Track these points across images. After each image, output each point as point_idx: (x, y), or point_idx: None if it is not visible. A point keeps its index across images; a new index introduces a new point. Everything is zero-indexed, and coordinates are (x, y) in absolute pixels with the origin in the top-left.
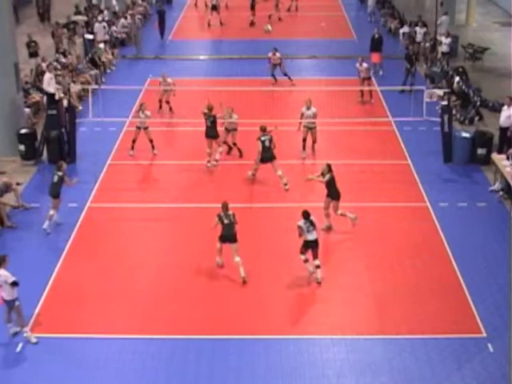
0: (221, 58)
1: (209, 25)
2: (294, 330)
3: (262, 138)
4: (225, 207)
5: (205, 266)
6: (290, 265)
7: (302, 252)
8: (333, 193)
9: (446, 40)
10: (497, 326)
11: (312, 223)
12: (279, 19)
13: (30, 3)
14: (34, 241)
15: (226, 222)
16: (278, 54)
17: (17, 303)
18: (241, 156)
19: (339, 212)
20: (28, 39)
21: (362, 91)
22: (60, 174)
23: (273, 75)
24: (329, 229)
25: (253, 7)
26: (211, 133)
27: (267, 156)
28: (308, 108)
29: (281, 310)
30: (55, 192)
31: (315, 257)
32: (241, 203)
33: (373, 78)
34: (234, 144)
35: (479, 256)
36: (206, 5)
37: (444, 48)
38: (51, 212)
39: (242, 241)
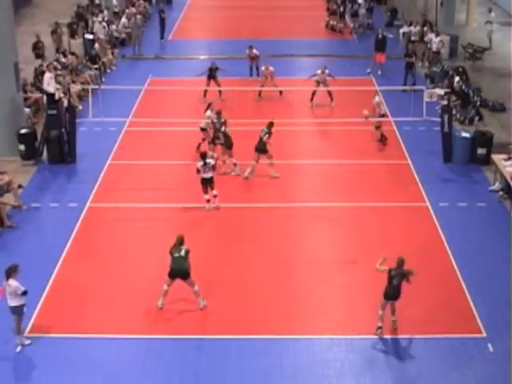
0: (221, 58)
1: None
2: (293, 330)
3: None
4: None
5: (205, 266)
6: (289, 264)
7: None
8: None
9: (435, 39)
10: (497, 326)
11: (206, 164)
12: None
13: (30, 3)
14: (33, 241)
15: (175, 255)
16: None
17: (24, 309)
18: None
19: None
20: (36, 39)
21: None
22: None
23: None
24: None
25: None
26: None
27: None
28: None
29: (281, 309)
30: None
31: (212, 188)
32: (240, 203)
33: (373, 78)
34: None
35: (479, 256)
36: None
37: (434, 47)
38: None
39: (241, 241)
